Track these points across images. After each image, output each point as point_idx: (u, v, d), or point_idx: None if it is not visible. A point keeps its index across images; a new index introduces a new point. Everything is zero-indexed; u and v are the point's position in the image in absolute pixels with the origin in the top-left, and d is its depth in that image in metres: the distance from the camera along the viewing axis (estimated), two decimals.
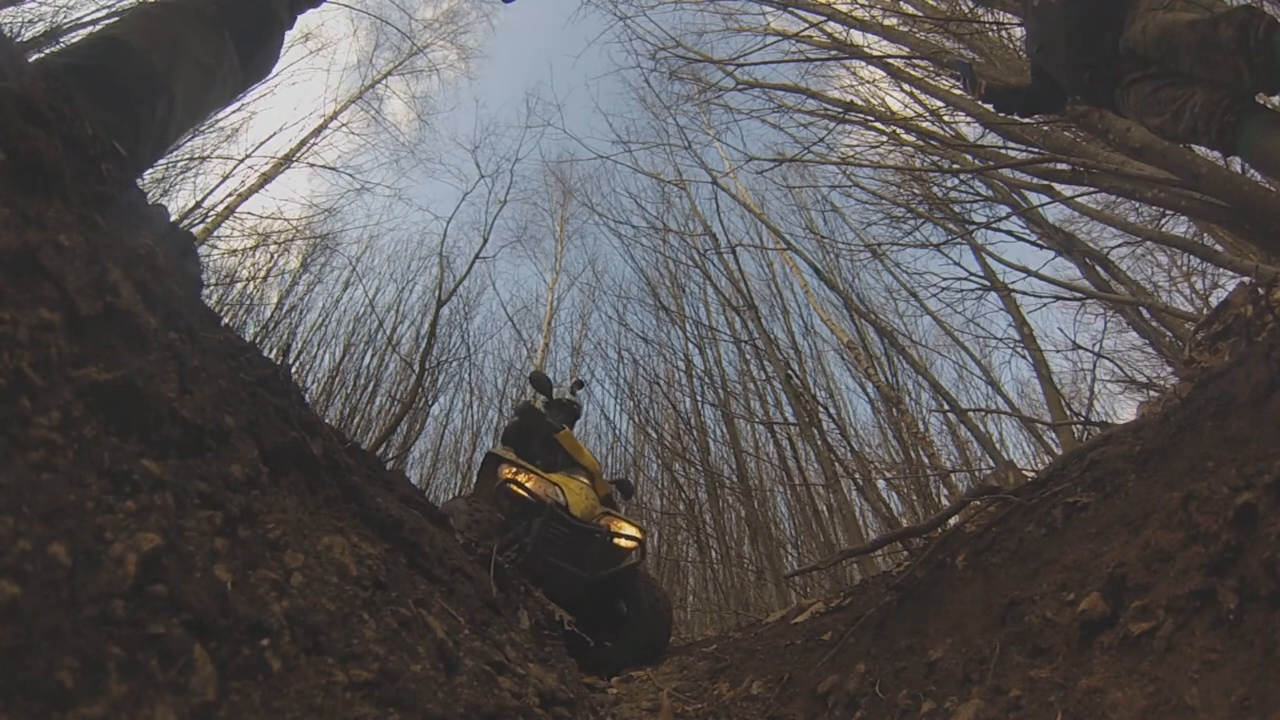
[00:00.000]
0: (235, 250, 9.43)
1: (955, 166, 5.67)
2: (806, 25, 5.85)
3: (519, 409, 4.19)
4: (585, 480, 3.66)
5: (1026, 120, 3.89)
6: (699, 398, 10.80)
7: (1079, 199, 5.99)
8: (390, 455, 8.67)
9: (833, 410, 9.25)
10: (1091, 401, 5.96)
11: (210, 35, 1.35)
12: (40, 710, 0.37)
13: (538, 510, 3.26)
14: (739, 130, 11.41)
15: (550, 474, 3.52)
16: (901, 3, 5.73)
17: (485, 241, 9.97)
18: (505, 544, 3.25)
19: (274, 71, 1.69)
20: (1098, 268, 6.64)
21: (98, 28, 1.27)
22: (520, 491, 3.33)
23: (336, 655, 0.64)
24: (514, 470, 3.36)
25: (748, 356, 10.62)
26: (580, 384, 5.22)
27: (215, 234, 8.98)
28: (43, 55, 1.21)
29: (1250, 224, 3.07)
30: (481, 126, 29.35)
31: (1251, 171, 2.95)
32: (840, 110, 6.25)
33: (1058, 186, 5.12)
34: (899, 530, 3.59)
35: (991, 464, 7.41)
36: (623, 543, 3.47)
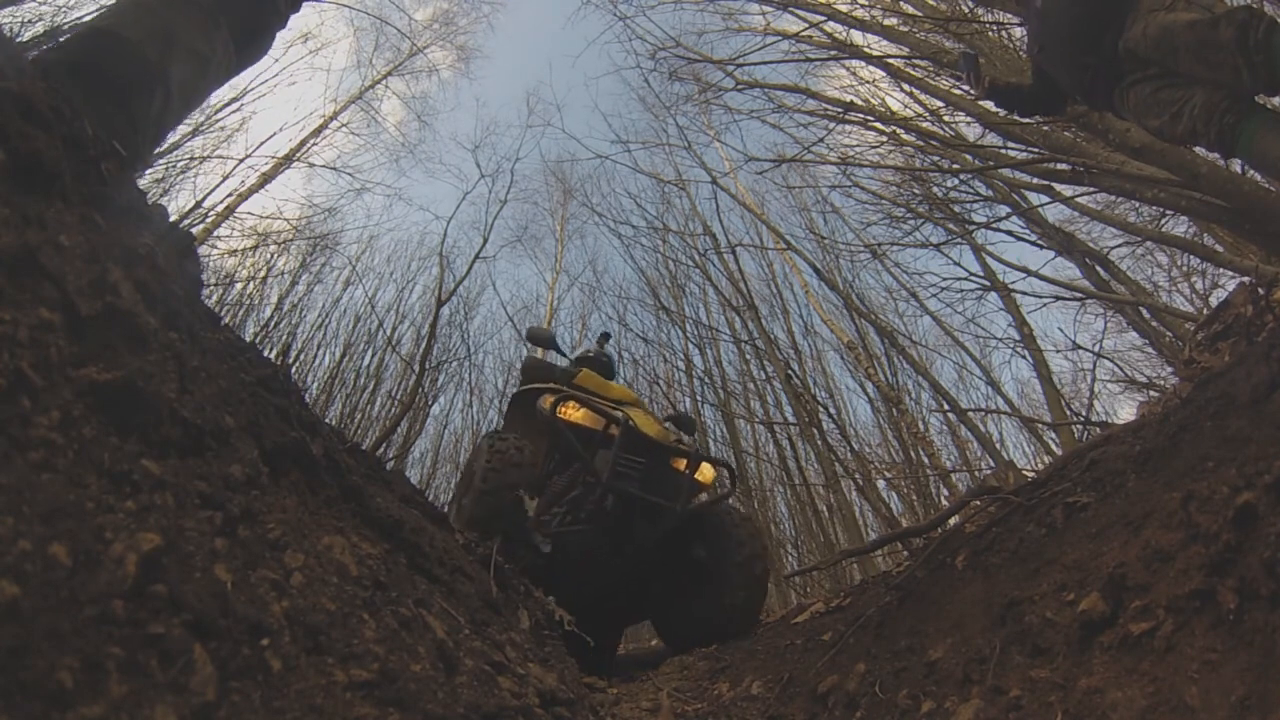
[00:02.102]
0: (235, 250, 9.43)
1: (955, 166, 5.68)
2: (806, 25, 5.85)
3: (524, 367, 3.44)
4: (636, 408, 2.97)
5: (1026, 120, 3.90)
6: (699, 398, 10.82)
7: (1079, 199, 5.99)
8: (390, 455, 8.67)
9: (833, 410, 9.26)
10: (1091, 401, 5.97)
11: (203, 22, 1.33)
12: (40, 710, 0.37)
13: (601, 440, 2.56)
14: (739, 130, 11.44)
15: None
16: (901, 3, 5.73)
17: (485, 241, 9.97)
18: (573, 477, 2.58)
19: (273, 66, 1.70)
20: (1098, 268, 6.64)
21: (88, 19, 1.24)
22: (575, 417, 2.61)
23: (336, 655, 0.64)
24: (559, 398, 2.61)
25: (748, 356, 10.63)
26: (606, 336, 4.18)
27: (215, 234, 8.98)
28: (36, 51, 1.19)
29: (1250, 224, 3.07)
30: (481, 126, 29.52)
31: (1251, 172, 2.95)
32: (840, 110, 6.25)
33: (1058, 186, 5.12)
34: (899, 530, 3.57)
35: (991, 464, 7.41)
36: (703, 473, 2.75)
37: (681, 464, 2.69)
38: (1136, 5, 2.10)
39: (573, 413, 2.61)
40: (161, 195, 8.02)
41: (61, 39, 1.25)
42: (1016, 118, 3.53)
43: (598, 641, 3.12)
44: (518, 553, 2.24)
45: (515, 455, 2.40)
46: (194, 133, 8.76)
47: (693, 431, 3.85)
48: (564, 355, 3.61)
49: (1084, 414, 5.85)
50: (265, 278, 10.05)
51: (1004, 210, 6.41)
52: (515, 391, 3.14)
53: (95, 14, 1.27)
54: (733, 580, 2.55)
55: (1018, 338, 7.39)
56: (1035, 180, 4.96)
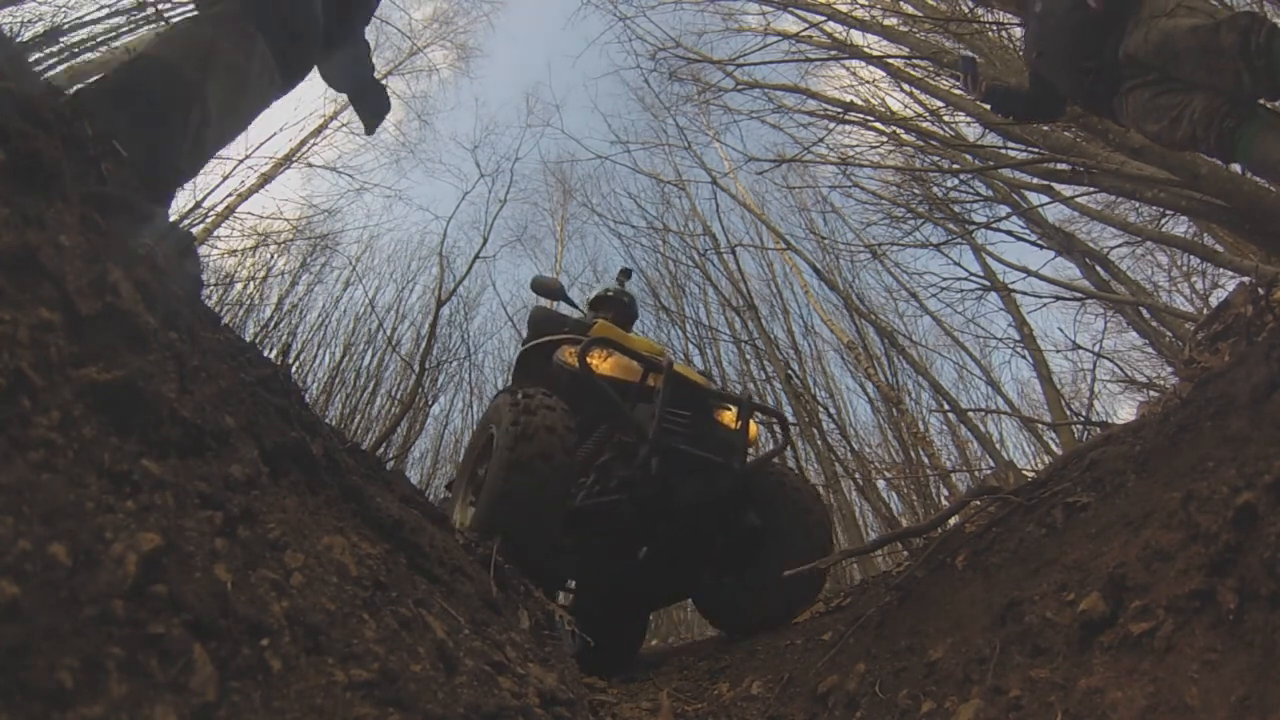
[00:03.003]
0: (235, 250, 9.43)
1: (955, 166, 5.68)
2: (806, 25, 5.86)
3: (531, 319, 2.87)
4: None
5: (1027, 122, 3.90)
6: None
7: (1079, 199, 6.00)
8: (390, 455, 8.67)
9: (833, 410, 9.27)
10: (1091, 401, 5.97)
11: (237, 34, 1.35)
12: (40, 710, 0.37)
13: (638, 394, 2.18)
14: (739, 130, 11.44)
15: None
16: (901, 3, 5.73)
17: (485, 241, 9.99)
18: (601, 440, 2.25)
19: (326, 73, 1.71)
20: (1098, 268, 6.64)
21: (135, 46, 1.29)
22: (606, 368, 2.23)
23: (336, 655, 0.64)
24: (585, 345, 2.16)
25: (748, 356, 10.64)
26: (628, 274, 3.52)
27: (215, 234, 8.98)
28: (83, 85, 1.24)
29: (1250, 224, 3.07)
30: (481, 126, 29.57)
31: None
32: (840, 110, 6.25)
33: (1058, 186, 5.13)
34: (899, 530, 3.56)
35: (991, 464, 7.42)
36: (753, 426, 2.40)
37: (727, 416, 2.37)
38: (1138, 11, 2.10)
39: (603, 363, 2.23)
40: None
41: (111, 70, 1.30)
42: (1014, 122, 3.54)
43: (623, 631, 2.96)
44: (544, 544, 1.88)
45: (547, 414, 1.92)
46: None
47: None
48: (575, 307, 3.17)
49: (1084, 414, 5.85)
50: (265, 278, 10.06)
51: (1004, 210, 6.42)
52: (523, 348, 2.69)
53: (107, 22, 1.35)
54: (798, 551, 2.11)
55: (1018, 338, 7.40)
56: (1035, 180, 4.97)
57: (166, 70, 1.25)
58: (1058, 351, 6.84)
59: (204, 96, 1.28)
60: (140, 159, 1.00)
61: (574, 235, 14.43)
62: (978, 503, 1.94)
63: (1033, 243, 6.74)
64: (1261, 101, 1.97)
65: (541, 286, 3.04)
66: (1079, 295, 6.12)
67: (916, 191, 6.98)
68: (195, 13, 1.37)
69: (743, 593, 2.33)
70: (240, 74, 1.37)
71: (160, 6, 7.12)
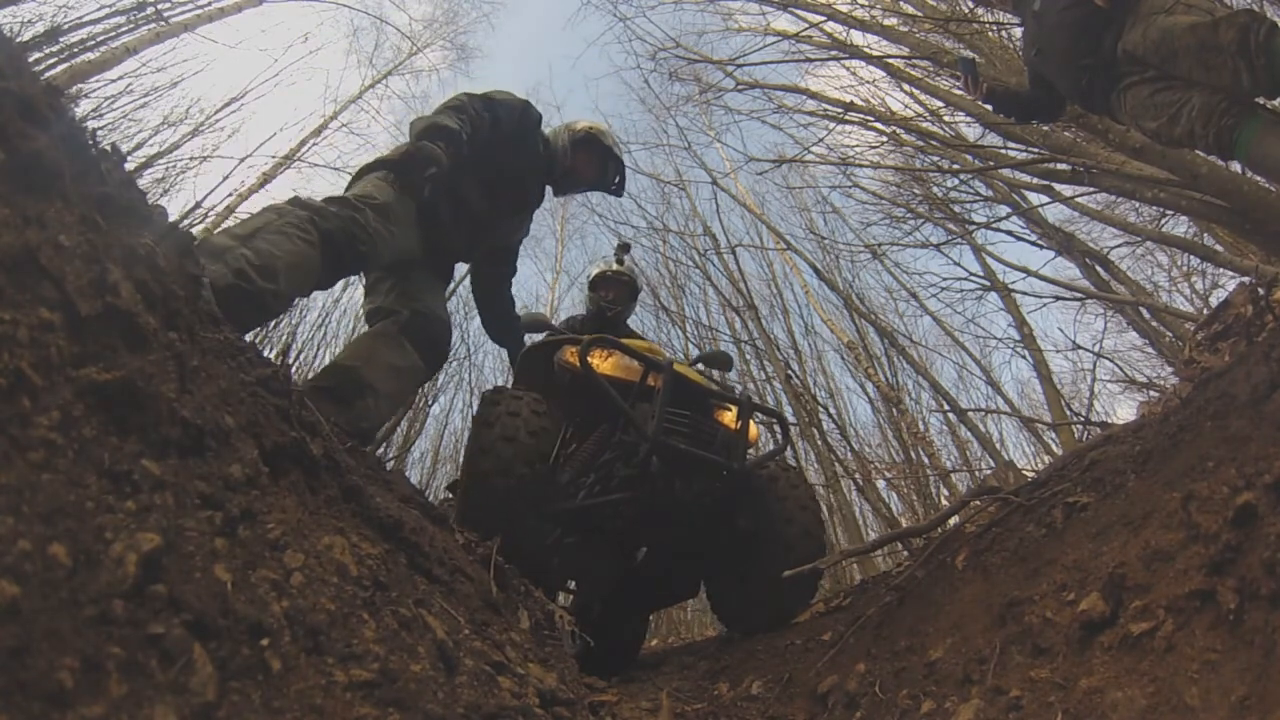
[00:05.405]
0: None
1: (955, 167, 5.68)
2: (806, 25, 5.85)
3: (525, 322, 2.91)
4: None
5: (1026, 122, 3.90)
6: None
7: (1079, 199, 6.00)
8: (390, 455, 8.67)
9: (833, 410, 9.27)
10: (1091, 401, 5.95)
11: (395, 345, 2.05)
12: (40, 710, 0.37)
13: (639, 393, 2.20)
14: (739, 131, 11.42)
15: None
16: (901, 3, 5.73)
17: None
18: (603, 439, 2.30)
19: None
20: (1098, 268, 6.64)
21: (333, 358, 2.02)
22: (606, 368, 2.27)
23: (336, 655, 0.64)
24: (586, 344, 2.19)
25: (748, 356, 10.63)
26: (626, 247, 3.50)
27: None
28: (299, 382, 1.62)
29: (1250, 224, 3.07)
30: None
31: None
32: (840, 110, 6.25)
33: (1058, 186, 5.12)
34: (899, 530, 3.54)
35: (991, 464, 7.42)
36: (753, 427, 2.43)
37: (727, 416, 2.38)
38: (1136, 8, 2.10)
39: (604, 362, 2.28)
40: (161, 195, 8.03)
41: (320, 370, 2.06)
42: (1014, 122, 3.54)
43: (623, 631, 3.00)
44: (541, 539, 1.99)
45: (533, 419, 2.04)
46: (194, 133, 8.77)
47: (729, 368, 3.34)
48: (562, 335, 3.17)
49: (1084, 414, 5.84)
50: None
51: (1004, 210, 6.42)
52: (523, 350, 2.73)
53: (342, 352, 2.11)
54: (790, 553, 2.15)
55: (1018, 338, 7.40)
56: (1035, 180, 4.96)
57: (349, 373, 1.92)
58: (1058, 351, 6.85)
59: (375, 387, 1.92)
60: (343, 429, 1.47)
61: (574, 235, 14.38)
62: (978, 503, 1.94)
63: (1033, 243, 6.74)
64: (1260, 100, 1.96)
65: (531, 322, 3.04)
66: (1079, 295, 6.11)
67: (916, 191, 6.99)
68: (369, 329, 2.11)
69: (739, 594, 2.38)
70: (397, 371, 2.01)
71: (160, 6, 7.13)
